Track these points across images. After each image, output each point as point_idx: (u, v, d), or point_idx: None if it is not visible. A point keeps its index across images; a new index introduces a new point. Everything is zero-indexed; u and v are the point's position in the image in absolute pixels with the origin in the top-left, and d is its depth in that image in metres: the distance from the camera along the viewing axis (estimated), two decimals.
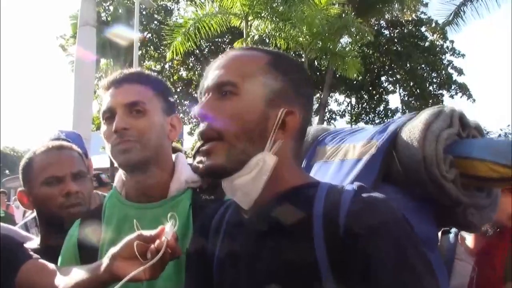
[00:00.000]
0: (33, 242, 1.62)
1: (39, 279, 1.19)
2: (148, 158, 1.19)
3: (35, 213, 1.72)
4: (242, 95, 0.88)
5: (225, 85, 0.89)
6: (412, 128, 1.02)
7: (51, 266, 1.22)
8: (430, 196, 1.01)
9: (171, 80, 19.28)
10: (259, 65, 0.91)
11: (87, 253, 1.22)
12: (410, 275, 0.74)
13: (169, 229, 0.93)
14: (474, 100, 20.86)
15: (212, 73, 0.93)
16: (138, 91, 1.21)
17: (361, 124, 22.27)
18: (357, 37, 14.07)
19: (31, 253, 1.30)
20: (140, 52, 16.80)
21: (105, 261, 0.98)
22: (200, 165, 0.91)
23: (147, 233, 0.95)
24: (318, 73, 19.55)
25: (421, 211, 1.01)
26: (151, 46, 19.19)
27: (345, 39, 15.07)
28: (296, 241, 0.82)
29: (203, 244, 1.00)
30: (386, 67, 21.67)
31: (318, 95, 18.61)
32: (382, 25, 21.27)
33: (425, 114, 1.04)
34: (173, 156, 1.31)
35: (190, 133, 20.76)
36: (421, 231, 0.86)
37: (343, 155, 1.09)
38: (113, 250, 0.97)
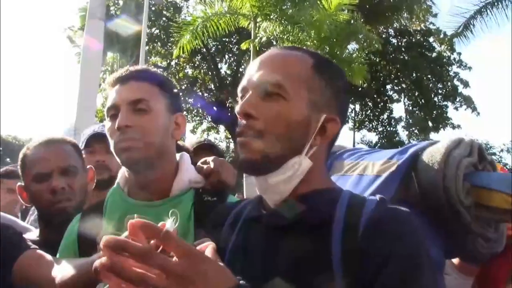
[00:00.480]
0: (32, 233, 1.62)
1: (36, 269, 1.18)
2: (150, 157, 1.19)
3: None
4: (288, 98, 0.87)
5: (270, 85, 0.87)
6: (434, 152, 1.04)
7: (49, 257, 1.21)
8: (442, 222, 1.02)
9: (177, 77, 19.29)
10: (305, 68, 0.90)
11: (86, 249, 1.21)
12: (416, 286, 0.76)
13: (169, 225, 0.93)
14: (478, 113, 20.85)
15: (255, 71, 0.91)
16: (143, 89, 1.21)
17: (364, 131, 22.31)
18: (365, 44, 14.04)
19: (30, 243, 1.30)
20: (147, 47, 16.82)
21: None
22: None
23: None
24: None
25: (432, 235, 1.01)
26: (158, 42, 19.21)
27: (352, 46, 15.05)
28: (314, 240, 0.83)
29: (213, 239, 1.00)
30: (392, 75, 21.64)
31: None
32: (390, 33, 21.23)
33: (446, 141, 1.06)
34: (178, 155, 1.30)
35: (193, 131, 20.77)
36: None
37: (362, 170, 1.10)
38: None
